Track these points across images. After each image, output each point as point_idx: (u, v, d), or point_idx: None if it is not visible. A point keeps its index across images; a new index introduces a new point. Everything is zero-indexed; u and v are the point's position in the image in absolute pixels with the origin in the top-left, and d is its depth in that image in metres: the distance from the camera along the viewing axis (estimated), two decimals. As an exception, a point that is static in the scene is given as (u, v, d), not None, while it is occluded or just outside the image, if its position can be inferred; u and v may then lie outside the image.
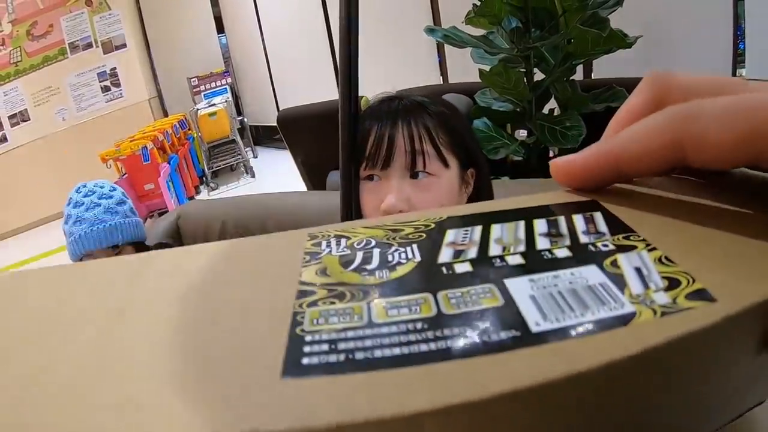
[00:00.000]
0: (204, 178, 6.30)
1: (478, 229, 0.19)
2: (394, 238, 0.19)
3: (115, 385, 0.13)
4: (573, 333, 0.13)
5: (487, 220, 0.20)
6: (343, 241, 0.19)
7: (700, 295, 0.14)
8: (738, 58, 4.00)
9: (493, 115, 1.84)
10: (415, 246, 0.18)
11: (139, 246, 1.42)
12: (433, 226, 0.20)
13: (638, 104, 0.21)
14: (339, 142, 0.76)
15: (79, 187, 1.37)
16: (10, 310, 0.17)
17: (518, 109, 1.83)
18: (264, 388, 0.12)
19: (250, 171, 6.30)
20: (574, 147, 1.64)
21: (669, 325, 0.13)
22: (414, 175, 0.75)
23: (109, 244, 1.33)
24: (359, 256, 0.18)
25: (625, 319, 0.14)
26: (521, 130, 2.04)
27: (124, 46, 7.05)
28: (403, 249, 0.18)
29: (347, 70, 0.73)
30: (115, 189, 1.41)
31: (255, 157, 7.09)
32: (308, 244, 0.19)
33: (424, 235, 0.19)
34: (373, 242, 0.19)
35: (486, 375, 0.12)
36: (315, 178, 2.92)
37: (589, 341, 0.13)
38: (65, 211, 1.35)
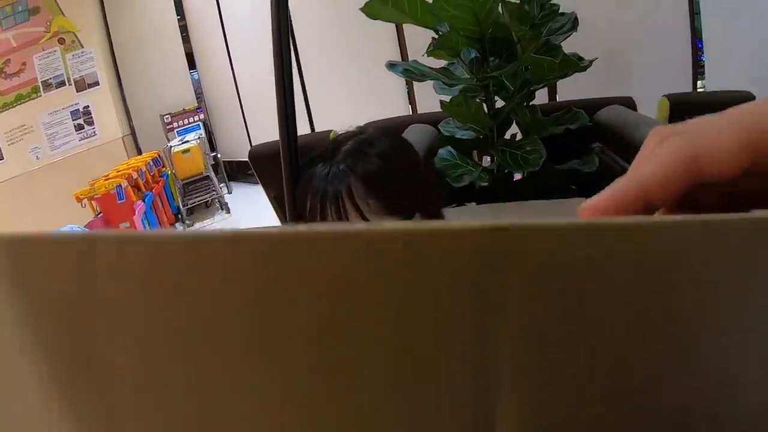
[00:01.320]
0: (179, 216, 6.28)
1: None
2: None
3: None
4: None
5: None
6: None
7: None
8: (698, 71, 4.16)
9: (457, 144, 1.89)
10: None
11: None
12: None
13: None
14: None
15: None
16: None
17: (481, 137, 1.89)
18: None
19: (225, 207, 6.29)
20: (535, 170, 1.70)
21: None
22: None
23: None
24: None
25: None
26: (486, 156, 2.10)
27: (96, 84, 7.05)
28: None
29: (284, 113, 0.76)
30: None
31: (229, 192, 7.10)
32: None
33: None
34: None
35: None
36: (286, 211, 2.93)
37: None
38: None
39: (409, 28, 4.53)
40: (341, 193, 0.73)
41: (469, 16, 1.61)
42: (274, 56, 0.72)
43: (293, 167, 0.78)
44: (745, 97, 2.44)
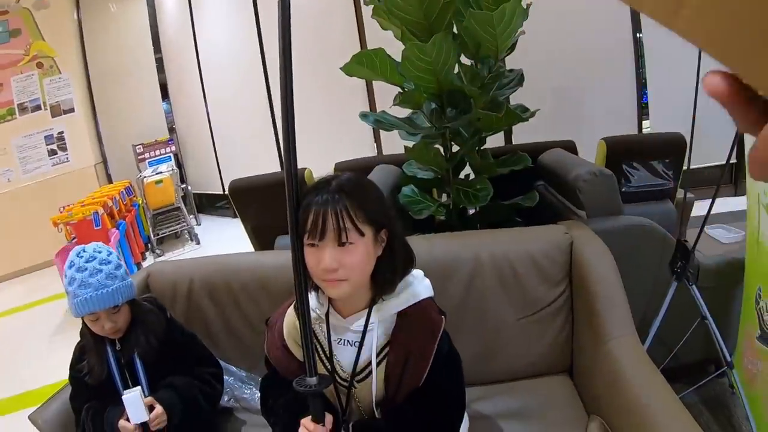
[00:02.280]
0: (149, 245, 6.38)
1: None
2: None
3: None
4: None
5: None
6: None
7: None
8: (644, 113, 4.62)
9: (418, 183, 2.20)
10: None
11: (132, 302, 1.66)
12: None
13: None
14: (288, 220, 1.09)
15: (80, 252, 1.58)
16: None
17: (439, 177, 2.20)
18: None
19: (195, 238, 6.42)
20: (484, 205, 2.01)
21: None
22: (341, 243, 1.11)
23: (112, 305, 1.57)
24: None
25: None
26: (444, 194, 2.41)
27: (72, 110, 7.13)
28: None
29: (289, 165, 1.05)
30: (111, 253, 1.63)
31: (198, 224, 7.22)
32: None
33: None
34: None
35: None
36: (264, 241, 3.18)
37: None
38: (67, 273, 1.56)
39: (378, 84, 4.89)
40: (342, 207, 1.10)
41: (430, 76, 1.94)
42: (281, 94, 0.98)
43: (296, 195, 1.09)
44: (677, 138, 2.81)
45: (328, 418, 1.19)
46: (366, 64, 1.93)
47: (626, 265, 1.78)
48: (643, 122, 4.74)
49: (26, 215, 6.54)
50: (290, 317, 1.34)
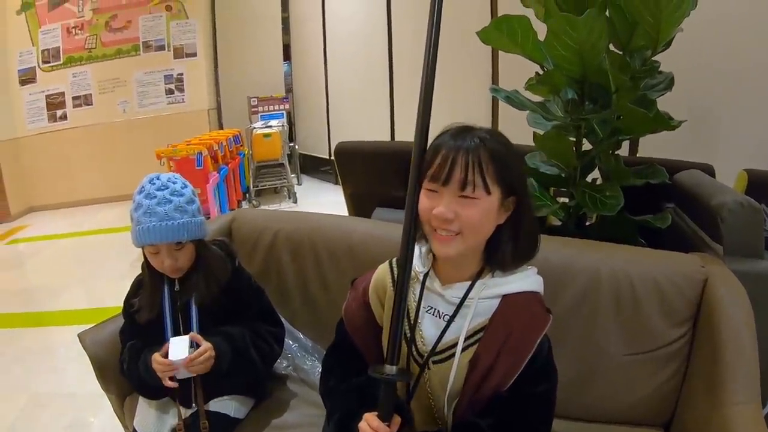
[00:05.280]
0: (247, 195, 6.50)
1: None
2: None
3: None
4: None
5: None
6: None
7: None
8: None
9: (540, 177, 1.97)
10: None
11: (199, 242, 1.52)
12: None
13: None
14: (411, 161, 0.99)
15: (153, 178, 1.45)
16: None
17: (563, 174, 1.95)
18: None
19: (293, 196, 6.48)
20: (609, 215, 1.75)
21: None
22: (463, 195, 0.96)
23: (174, 241, 1.42)
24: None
25: None
26: (562, 197, 2.15)
27: (194, 54, 7.39)
28: None
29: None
30: (186, 186, 1.49)
31: (299, 184, 7.30)
32: None
33: None
34: None
35: None
36: (362, 210, 3.05)
37: None
38: (136, 198, 1.43)
39: (505, 59, 4.60)
40: (475, 157, 0.98)
41: (575, 57, 1.69)
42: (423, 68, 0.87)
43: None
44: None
45: (395, 419, 1.01)
46: (506, 32, 1.71)
47: (759, 319, 1.47)
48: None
49: (134, 146, 6.84)
50: (381, 272, 1.20)
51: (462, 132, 1.02)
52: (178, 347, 1.40)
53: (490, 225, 1.02)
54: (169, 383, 1.42)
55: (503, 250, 1.05)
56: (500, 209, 1.02)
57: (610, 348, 1.52)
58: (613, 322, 1.51)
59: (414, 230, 1.01)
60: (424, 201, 1.01)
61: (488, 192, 0.98)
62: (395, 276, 1.14)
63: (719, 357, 1.34)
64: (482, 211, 0.99)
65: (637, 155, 4.23)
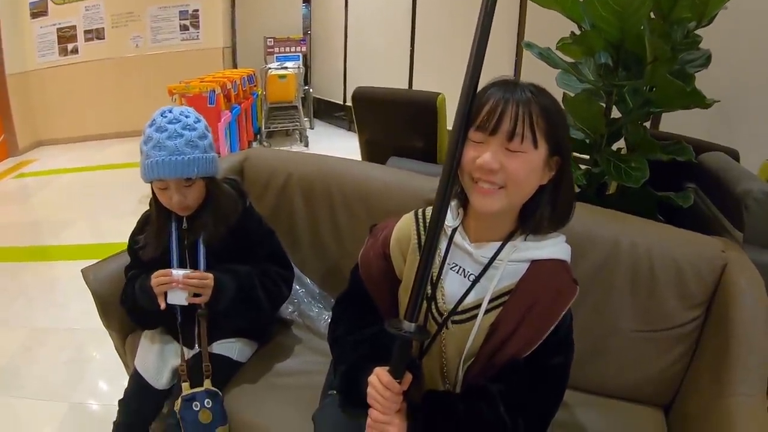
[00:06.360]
0: (258, 136, 6.44)
1: None
2: None
3: None
4: None
5: None
6: None
7: None
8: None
9: (565, 142, 1.91)
10: None
11: (210, 180, 1.47)
12: None
13: None
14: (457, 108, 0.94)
15: (164, 111, 1.39)
16: None
17: (587, 140, 1.89)
18: None
19: (304, 139, 6.42)
20: (633, 187, 1.70)
21: None
22: (510, 148, 0.94)
23: (183, 176, 1.37)
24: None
25: None
26: (580, 165, 2.09)
27: (211, -10, 7.18)
28: None
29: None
30: (199, 121, 1.43)
31: (311, 128, 7.22)
32: None
33: None
34: None
35: None
36: (375, 159, 2.99)
37: None
38: (146, 131, 1.37)
39: (533, 17, 4.47)
40: (526, 109, 0.94)
41: (615, 19, 1.62)
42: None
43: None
44: None
45: (407, 377, 0.97)
46: (546, -14, 1.63)
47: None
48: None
49: (146, 82, 6.73)
50: (405, 223, 1.15)
51: (511, 84, 0.97)
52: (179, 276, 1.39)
53: (534, 182, 0.98)
54: (162, 302, 1.39)
55: (541, 213, 1.01)
56: (544, 168, 0.98)
57: (620, 323, 1.49)
58: (628, 296, 1.48)
59: (453, 180, 0.95)
60: (468, 152, 0.96)
61: (536, 146, 0.94)
62: (420, 229, 1.10)
63: (729, 345, 1.31)
64: (528, 165, 0.95)
65: (659, 130, 4.14)
